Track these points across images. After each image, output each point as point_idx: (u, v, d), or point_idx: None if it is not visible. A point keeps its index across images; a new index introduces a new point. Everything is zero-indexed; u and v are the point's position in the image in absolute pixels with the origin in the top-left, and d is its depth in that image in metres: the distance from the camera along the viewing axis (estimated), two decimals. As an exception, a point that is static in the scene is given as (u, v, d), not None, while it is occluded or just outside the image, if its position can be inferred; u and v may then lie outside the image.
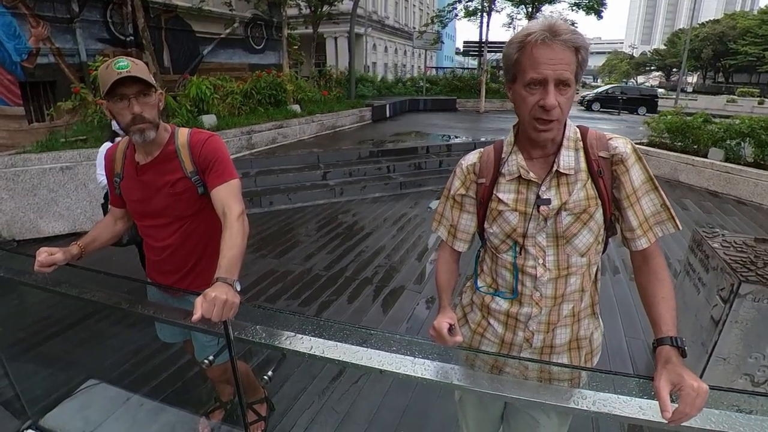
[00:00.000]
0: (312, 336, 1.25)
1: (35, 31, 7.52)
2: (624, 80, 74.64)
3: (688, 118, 8.68)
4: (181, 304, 1.81)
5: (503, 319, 1.31)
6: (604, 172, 1.17)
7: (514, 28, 22.02)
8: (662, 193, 1.17)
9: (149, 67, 1.77)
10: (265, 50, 13.14)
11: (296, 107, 10.60)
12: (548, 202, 1.17)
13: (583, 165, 1.18)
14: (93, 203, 5.37)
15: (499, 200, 1.24)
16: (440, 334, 1.20)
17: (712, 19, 65.70)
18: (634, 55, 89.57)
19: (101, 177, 2.80)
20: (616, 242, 1.29)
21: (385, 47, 37.33)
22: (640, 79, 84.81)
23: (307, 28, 15.07)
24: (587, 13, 20.70)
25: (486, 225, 1.28)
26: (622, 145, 1.18)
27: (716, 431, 0.98)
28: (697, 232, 2.82)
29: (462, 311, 1.46)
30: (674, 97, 29.92)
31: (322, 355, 1.21)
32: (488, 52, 20.34)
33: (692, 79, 72.85)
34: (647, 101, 23.17)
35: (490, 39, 20.27)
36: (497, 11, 21.21)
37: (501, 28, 23.27)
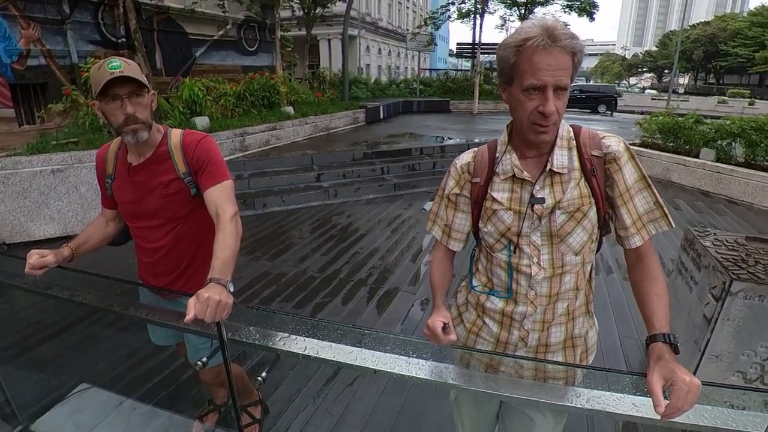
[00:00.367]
0: (306, 337, 1.24)
1: (25, 33, 7.46)
2: (616, 81, 75.24)
3: (680, 118, 8.76)
4: (174, 306, 1.80)
5: (498, 318, 1.31)
6: (597, 171, 1.18)
7: (506, 30, 22.18)
8: (655, 191, 1.18)
9: (141, 68, 1.75)
10: (259, 52, 13.10)
11: (290, 109, 10.58)
12: (542, 200, 1.17)
13: (576, 164, 1.18)
14: (84, 206, 5.33)
15: (494, 199, 1.24)
16: (434, 333, 1.21)
17: (702, 20, 66.37)
18: (626, 56, 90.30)
19: None
20: (609, 242, 1.30)
21: (379, 49, 37.41)
22: (632, 80, 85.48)
23: (301, 30, 15.07)
24: (579, 15, 20.88)
25: (481, 224, 1.29)
26: (614, 143, 1.18)
27: (709, 427, 0.99)
28: (689, 231, 2.84)
29: (457, 311, 1.47)
30: (666, 98, 30.23)
31: (316, 355, 1.20)
32: (481, 53, 20.42)
33: (684, 80, 73.55)
34: (607, 100, 22.92)
35: (483, 41, 20.37)
36: (490, 13, 21.38)
37: (494, 29, 23.43)
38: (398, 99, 18.47)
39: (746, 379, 2.31)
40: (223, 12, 11.10)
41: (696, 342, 2.44)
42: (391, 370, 1.15)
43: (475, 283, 1.38)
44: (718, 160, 7.74)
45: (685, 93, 51.74)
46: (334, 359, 1.19)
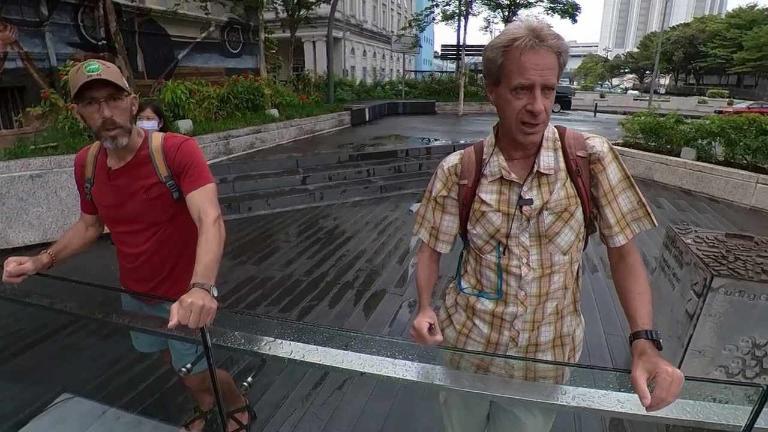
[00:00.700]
0: (292, 340, 1.24)
1: (2, 35, 7.30)
2: (599, 83, 76.31)
3: (661, 119, 8.92)
4: (157, 312, 1.77)
5: (489, 320, 1.32)
6: (582, 171, 1.19)
7: (491, 32, 22.37)
8: (638, 190, 1.20)
9: (122, 71, 1.73)
10: (242, 54, 13.00)
11: (274, 112, 10.52)
12: (530, 202, 1.18)
13: (562, 165, 1.20)
14: (65, 212, 5.22)
15: (482, 201, 1.24)
16: (420, 334, 1.22)
17: (682, 22, 67.62)
18: (608, 58, 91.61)
19: None
20: (594, 241, 1.31)
21: (364, 51, 37.42)
22: (615, 81, 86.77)
23: (285, 32, 14.97)
24: (562, 17, 21.16)
25: (469, 226, 1.29)
26: (599, 144, 1.20)
27: (692, 421, 1.00)
28: (671, 229, 2.89)
29: (446, 312, 1.47)
30: (648, 98, 30.79)
31: (303, 359, 1.20)
32: (466, 55, 20.56)
33: (665, 81, 74.94)
34: (560, 99, 23.32)
35: (467, 42, 20.51)
36: (474, 15, 21.55)
37: (478, 31, 23.59)
38: (384, 101, 18.50)
39: (728, 373, 2.35)
40: (205, 14, 10.98)
41: (679, 338, 2.47)
42: (378, 372, 1.15)
43: (464, 284, 1.38)
44: (698, 159, 7.90)
45: (666, 93, 52.79)
46: (320, 362, 1.19)
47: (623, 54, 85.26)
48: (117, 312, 1.51)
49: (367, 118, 15.19)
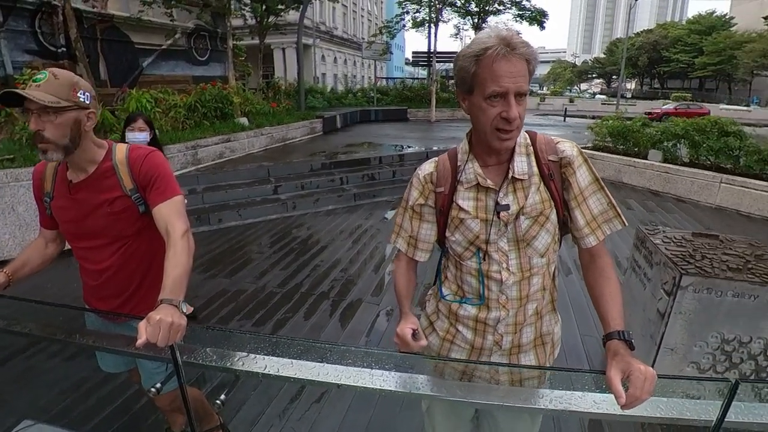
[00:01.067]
0: (266, 355, 1.21)
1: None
2: (568, 88, 78.30)
3: (628, 122, 9.21)
4: (124, 330, 1.70)
5: (472, 325, 1.32)
6: (554, 175, 1.22)
7: (461, 39, 22.72)
8: (608, 192, 1.22)
9: (84, 78, 1.64)
10: (210, 62, 12.80)
11: (244, 120, 10.39)
12: (507, 207, 1.20)
13: (535, 169, 1.22)
14: (23, 228, 4.99)
15: (460, 208, 1.25)
16: (404, 340, 1.21)
17: (646, 28, 70.02)
18: (576, 63, 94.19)
19: None
20: (568, 244, 1.33)
21: (335, 58, 37.46)
22: (583, 86, 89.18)
23: (254, 39, 14.81)
24: (530, 24, 21.66)
25: (448, 233, 1.29)
26: (569, 148, 1.22)
27: (666, 418, 1.02)
28: (641, 230, 2.96)
29: (428, 320, 1.46)
30: (615, 102, 31.81)
31: (277, 374, 1.17)
32: (437, 62, 20.82)
33: (631, 85, 77.45)
34: None
35: (438, 49, 20.77)
36: (444, 22, 21.84)
37: (449, 38, 23.94)
38: (356, 108, 18.55)
39: (700, 369, 2.42)
40: (171, 20, 10.76)
41: (652, 336, 2.53)
42: (356, 384, 1.14)
43: (445, 292, 1.38)
44: (665, 160, 8.18)
45: (633, 97, 54.49)
46: (296, 376, 1.17)
47: (590, 59, 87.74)
48: (81, 332, 1.44)
49: (339, 126, 15.16)
